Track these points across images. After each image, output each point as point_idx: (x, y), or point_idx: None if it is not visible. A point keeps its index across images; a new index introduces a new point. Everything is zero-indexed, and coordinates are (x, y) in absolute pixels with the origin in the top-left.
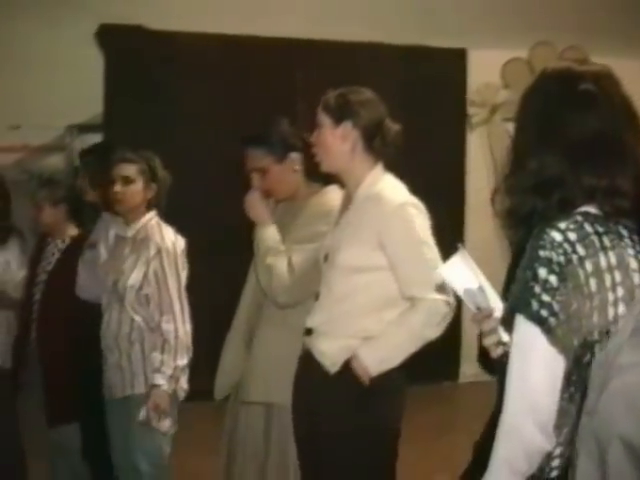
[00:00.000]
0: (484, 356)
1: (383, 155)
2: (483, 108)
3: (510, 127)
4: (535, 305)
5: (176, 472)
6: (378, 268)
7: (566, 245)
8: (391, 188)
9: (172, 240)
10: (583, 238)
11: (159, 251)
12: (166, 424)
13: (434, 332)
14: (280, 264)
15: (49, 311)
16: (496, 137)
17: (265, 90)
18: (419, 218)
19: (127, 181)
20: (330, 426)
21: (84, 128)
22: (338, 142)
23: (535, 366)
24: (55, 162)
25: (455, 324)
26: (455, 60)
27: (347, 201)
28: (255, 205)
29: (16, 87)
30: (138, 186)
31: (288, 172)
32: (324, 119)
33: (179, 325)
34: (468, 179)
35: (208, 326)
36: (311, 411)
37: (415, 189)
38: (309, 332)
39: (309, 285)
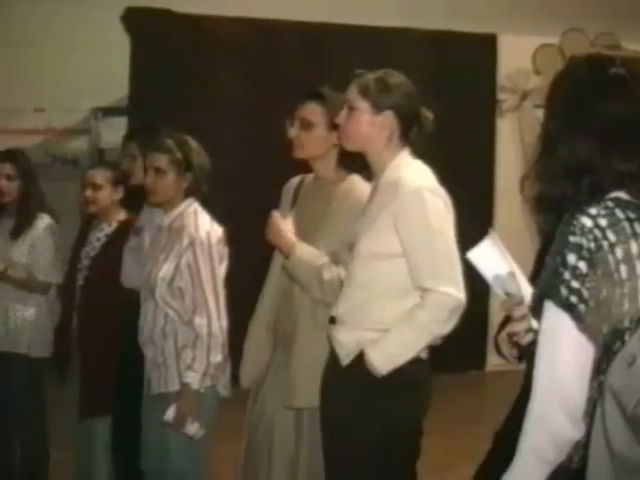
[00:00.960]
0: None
1: (414, 143)
2: (514, 94)
3: (541, 114)
4: (564, 291)
5: None
6: (396, 255)
7: (596, 231)
8: (412, 174)
9: (207, 230)
10: (614, 224)
11: (192, 242)
12: (193, 428)
13: (443, 328)
14: (342, 273)
15: (91, 298)
16: (526, 123)
17: (293, 75)
18: (435, 205)
19: (158, 172)
20: (343, 418)
21: (109, 111)
22: (376, 129)
23: (564, 353)
24: (79, 145)
25: (482, 312)
26: (485, 45)
27: (375, 187)
28: (281, 230)
29: (41, 70)
30: (170, 178)
31: (327, 141)
32: (360, 103)
33: (213, 320)
34: (498, 166)
35: (234, 308)
36: (328, 403)
37: (444, 175)
38: (333, 321)
39: None
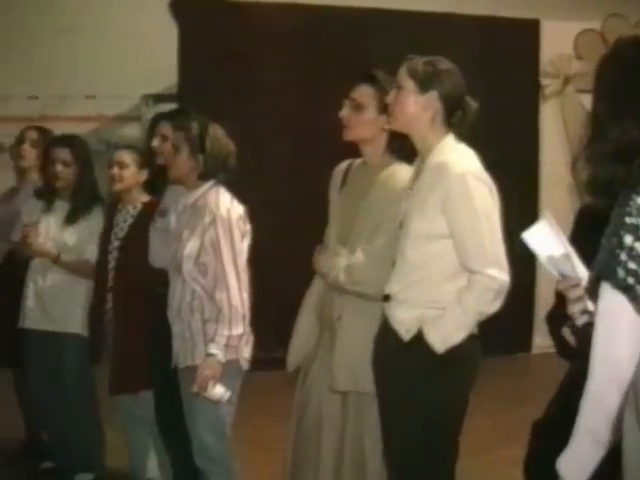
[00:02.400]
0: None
1: (458, 129)
2: (556, 79)
3: (584, 98)
4: (621, 273)
5: (248, 439)
6: (446, 236)
7: None
8: (458, 157)
9: (227, 207)
10: None
11: (214, 219)
12: (218, 392)
13: (490, 308)
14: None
15: (125, 279)
16: (569, 108)
17: (339, 60)
18: (480, 190)
19: (175, 149)
20: (401, 392)
21: (159, 98)
22: (420, 109)
23: (621, 334)
24: (131, 132)
25: (528, 295)
26: (528, 31)
27: (419, 167)
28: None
29: (92, 57)
30: (183, 155)
31: (377, 124)
32: (408, 83)
33: (233, 294)
34: (541, 151)
35: (284, 294)
36: (384, 377)
37: (488, 161)
38: (387, 298)
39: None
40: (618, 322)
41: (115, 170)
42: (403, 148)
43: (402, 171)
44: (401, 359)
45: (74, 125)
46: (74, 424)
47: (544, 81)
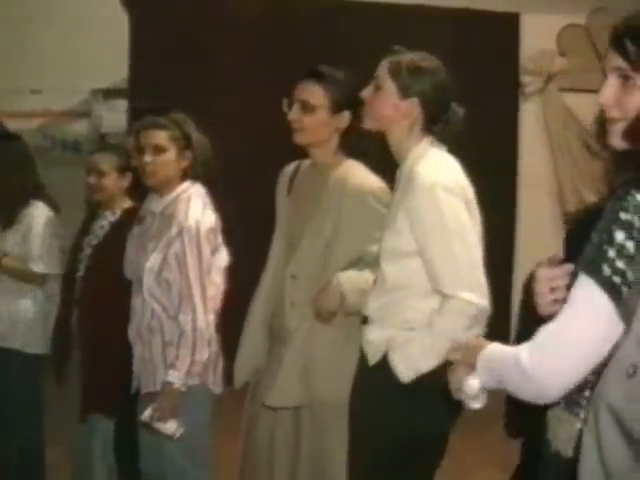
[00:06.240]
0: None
1: (439, 136)
2: (538, 77)
3: (567, 98)
4: (607, 270)
5: None
6: (418, 253)
7: None
8: (428, 168)
9: (196, 219)
10: None
11: (180, 232)
12: (171, 426)
13: (466, 335)
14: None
15: (92, 289)
16: (551, 108)
17: (304, 53)
18: (450, 203)
19: (158, 150)
20: (369, 418)
21: (109, 93)
22: (399, 116)
23: (593, 328)
24: (79, 128)
25: (505, 313)
26: (507, 25)
27: (397, 177)
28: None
29: (37, 48)
30: (170, 155)
31: (330, 126)
32: (389, 84)
33: (198, 315)
34: (521, 152)
35: (237, 306)
36: (356, 401)
37: (464, 163)
38: (365, 320)
39: None
40: (592, 312)
41: (92, 179)
42: (359, 145)
43: (358, 169)
44: (368, 384)
45: (18, 121)
46: (17, 446)
47: (524, 79)
